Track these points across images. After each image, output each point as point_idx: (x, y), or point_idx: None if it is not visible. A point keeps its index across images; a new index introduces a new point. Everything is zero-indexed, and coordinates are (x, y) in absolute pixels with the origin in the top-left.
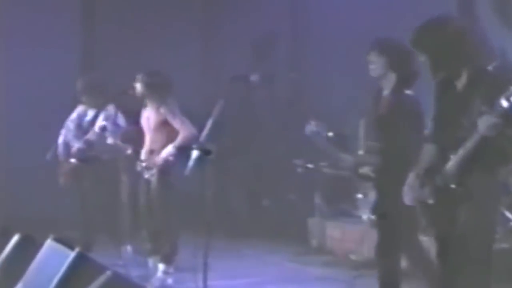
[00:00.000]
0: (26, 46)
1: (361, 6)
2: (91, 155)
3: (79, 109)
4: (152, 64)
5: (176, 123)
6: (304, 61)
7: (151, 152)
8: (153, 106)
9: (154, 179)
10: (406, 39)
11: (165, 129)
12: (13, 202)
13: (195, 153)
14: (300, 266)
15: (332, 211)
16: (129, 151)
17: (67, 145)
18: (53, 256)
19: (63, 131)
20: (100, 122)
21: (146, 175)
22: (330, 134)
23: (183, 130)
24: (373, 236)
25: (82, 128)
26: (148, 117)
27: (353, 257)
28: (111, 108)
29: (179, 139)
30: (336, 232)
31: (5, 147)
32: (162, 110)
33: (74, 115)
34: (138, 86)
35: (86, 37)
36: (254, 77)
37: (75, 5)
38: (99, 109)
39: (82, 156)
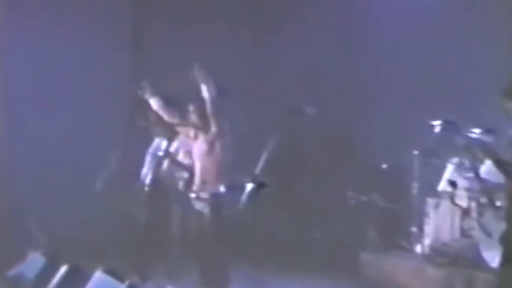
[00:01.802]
0: (75, 47)
1: (411, 36)
2: (164, 184)
3: (156, 140)
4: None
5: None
6: (354, 92)
7: (203, 182)
8: (204, 136)
9: (205, 211)
10: None
11: (215, 158)
12: (62, 229)
13: (249, 186)
14: None
15: (385, 245)
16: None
17: (145, 176)
18: None
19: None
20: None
21: (198, 207)
22: None
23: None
24: (427, 271)
25: (156, 159)
26: (199, 146)
27: None
28: (181, 137)
29: None
30: (389, 267)
31: (56, 174)
32: (211, 135)
33: (151, 147)
34: (191, 117)
35: (136, 47)
36: (310, 110)
37: (125, 9)
38: (171, 139)
39: (155, 184)
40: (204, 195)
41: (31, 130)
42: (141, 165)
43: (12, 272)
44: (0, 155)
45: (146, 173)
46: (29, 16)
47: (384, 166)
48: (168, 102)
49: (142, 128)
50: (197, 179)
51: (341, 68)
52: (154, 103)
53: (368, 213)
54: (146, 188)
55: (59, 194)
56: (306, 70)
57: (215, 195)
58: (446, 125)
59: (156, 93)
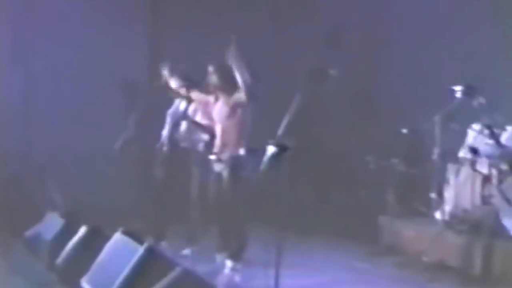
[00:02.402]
0: (94, 33)
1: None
2: (183, 145)
3: (176, 101)
4: (219, 54)
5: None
6: (375, 56)
7: (223, 145)
8: (224, 97)
9: (225, 173)
10: None
11: (236, 120)
12: (81, 191)
13: (271, 149)
14: (371, 267)
15: (404, 210)
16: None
17: (165, 138)
18: (121, 250)
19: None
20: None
21: (217, 169)
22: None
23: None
24: (446, 237)
25: (175, 119)
26: (220, 109)
27: (425, 258)
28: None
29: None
30: (408, 232)
31: (74, 134)
32: (232, 100)
33: (171, 108)
34: (212, 79)
35: (154, 26)
36: (332, 72)
37: None
38: (190, 99)
39: (173, 145)
40: (224, 157)
41: (50, 91)
42: (161, 126)
43: (29, 232)
44: (19, 116)
45: (166, 135)
46: None
47: (405, 131)
48: (186, 79)
49: (161, 88)
50: (217, 141)
51: (363, 31)
52: (174, 83)
53: (388, 178)
54: (165, 149)
55: (78, 156)
56: (327, 32)
57: (235, 158)
58: (468, 90)
59: (175, 72)
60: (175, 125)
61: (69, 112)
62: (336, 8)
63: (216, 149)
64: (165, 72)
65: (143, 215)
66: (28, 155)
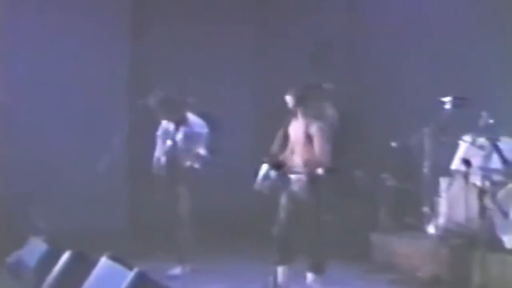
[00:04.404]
0: (76, 52)
1: (422, 12)
2: (177, 167)
3: (163, 123)
4: (202, 73)
5: (316, 143)
6: (362, 69)
7: (306, 163)
8: (304, 120)
9: (301, 192)
10: None
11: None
12: (63, 216)
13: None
14: (366, 285)
15: (396, 226)
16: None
17: (158, 159)
18: (109, 275)
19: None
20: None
21: (295, 188)
22: None
23: (320, 155)
24: (441, 252)
25: (166, 141)
26: (298, 129)
27: (421, 274)
28: (190, 116)
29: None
30: (401, 248)
31: (58, 157)
32: (312, 128)
33: (160, 130)
34: (291, 103)
35: (135, 44)
36: (327, 85)
37: (125, 11)
38: (178, 121)
39: (168, 167)
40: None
41: (33, 115)
42: (146, 148)
43: (11, 258)
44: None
45: (159, 157)
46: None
47: (394, 144)
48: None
49: (145, 109)
50: (295, 159)
51: (349, 45)
52: (160, 114)
53: (378, 193)
54: (159, 171)
55: (61, 179)
56: (313, 47)
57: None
58: (457, 101)
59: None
60: (172, 149)
61: (52, 135)
62: (320, 25)
63: (294, 166)
64: (152, 102)
65: (130, 238)
66: (11, 179)
